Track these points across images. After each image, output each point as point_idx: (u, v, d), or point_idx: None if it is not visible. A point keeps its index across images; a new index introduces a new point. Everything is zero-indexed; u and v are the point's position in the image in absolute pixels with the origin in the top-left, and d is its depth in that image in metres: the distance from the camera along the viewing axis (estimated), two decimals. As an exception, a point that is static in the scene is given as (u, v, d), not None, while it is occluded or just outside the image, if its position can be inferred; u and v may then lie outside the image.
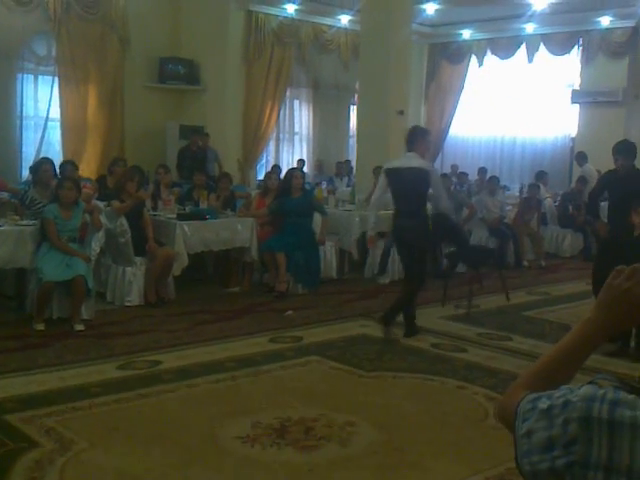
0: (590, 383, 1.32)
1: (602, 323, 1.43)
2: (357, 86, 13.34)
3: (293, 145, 15.81)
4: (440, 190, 6.90)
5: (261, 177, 14.64)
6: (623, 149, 7.06)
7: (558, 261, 11.46)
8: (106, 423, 4.69)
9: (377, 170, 10.44)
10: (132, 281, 7.70)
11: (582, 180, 12.12)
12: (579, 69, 15.00)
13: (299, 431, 4.62)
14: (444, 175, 11.37)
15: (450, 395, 5.44)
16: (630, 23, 13.94)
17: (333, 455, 4.35)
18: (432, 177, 6.73)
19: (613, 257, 6.56)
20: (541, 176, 12.39)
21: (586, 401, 1.26)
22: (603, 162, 11.40)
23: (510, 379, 5.72)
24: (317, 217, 8.89)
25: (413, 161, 6.70)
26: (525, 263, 10.89)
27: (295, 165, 14.06)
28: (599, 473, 1.22)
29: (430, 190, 6.77)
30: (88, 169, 12.08)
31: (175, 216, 8.30)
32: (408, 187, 6.71)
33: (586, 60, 14.73)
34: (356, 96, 14.69)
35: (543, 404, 1.31)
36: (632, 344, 6.48)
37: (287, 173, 9.31)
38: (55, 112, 12.31)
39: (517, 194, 13.20)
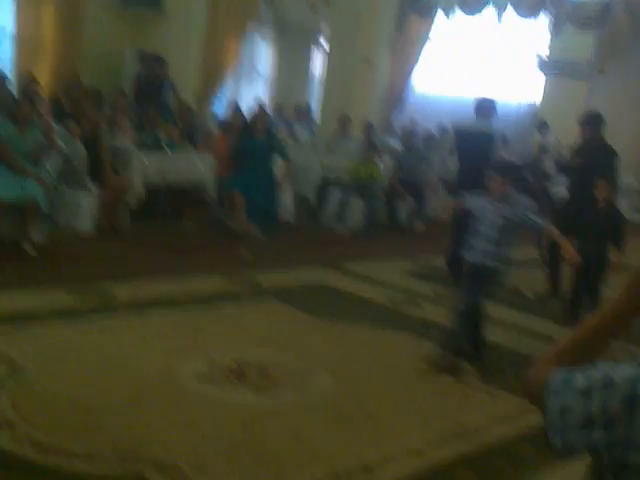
0: (634, 365, 1.30)
1: (630, 307, 1.43)
2: (321, 27, 13.07)
3: (253, 83, 15.50)
4: None
5: (218, 112, 14.36)
6: (590, 120, 7.04)
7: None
8: (58, 350, 4.56)
9: (342, 117, 10.35)
10: (85, 207, 7.48)
11: (543, 149, 12.16)
12: (548, 38, 14.95)
13: (256, 373, 4.56)
14: (429, 136, 11.37)
15: (406, 350, 5.43)
16: (602, -5, 13.90)
17: (290, 400, 4.31)
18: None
19: (573, 227, 6.64)
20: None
21: (630, 381, 1.25)
22: (564, 133, 11.50)
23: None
24: (277, 160, 8.74)
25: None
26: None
27: (253, 104, 13.80)
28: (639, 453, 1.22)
29: None
30: (40, 87, 11.63)
31: (133, 144, 8.05)
32: None
33: (554, 29, 14.67)
34: (320, 38, 14.47)
35: (580, 382, 1.30)
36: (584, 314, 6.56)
37: (251, 113, 9.12)
38: (10, 25, 11.78)
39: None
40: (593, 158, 6.91)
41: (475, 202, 5.18)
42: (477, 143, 7.54)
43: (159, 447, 3.50)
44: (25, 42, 11.80)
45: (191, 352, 4.79)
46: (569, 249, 4.98)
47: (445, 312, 6.43)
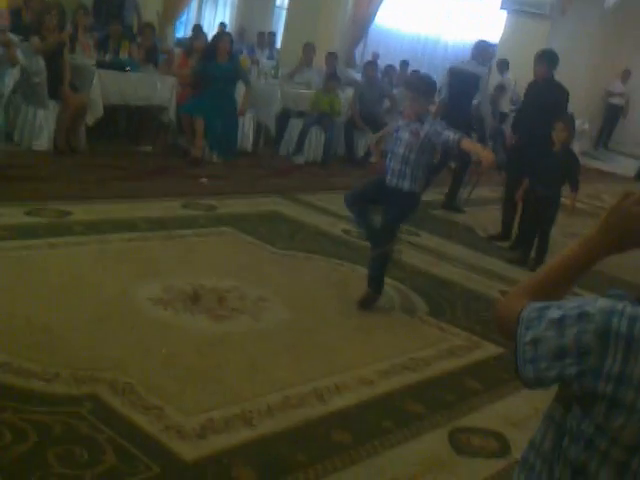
0: (607, 296, 1.34)
1: (605, 243, 1.45)
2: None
3: (216, 7, 15.24)
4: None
5: (179, 35, 14.11)
6: (547, 57, 7.07)
7: (466, 165, 11.60)
8: (14, 269, 4.56)
9: (307, 47, 10.24)
10: (43, 124, 7.35)
11: (500, 88, 12.19)
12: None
13: (212, 300, 4.62)
14: (389, 67, 11.34)
15: (359, 282, 5.50)
16: None
17: (245, 328, 4.38)
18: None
19: (528, 168, 6.75)
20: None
21: (605, 314, 1.27)
22: (523, 72, 11.52)
23: (416, 274, 5.89)
24: (239, 86, 8.65)
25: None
26: (434, 162, 10.99)
27: (216, 28, 13.58)
28: (609, 384, 1.26)
29: None
30: (-2, -2, 11.27)
31: (94, 63, 7.90)
32: None
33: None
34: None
35: (554, 314, 1.32)
36: (532, 254, 6.72)
37: (215, 36, 8.98)
38: None
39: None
40: (548, 97, 6.96)
41: (395, 125, 5.04)
42: (466, 84, 7.76)
43: (114, 368, 3.56)
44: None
45: (148, 276, 4.82)
46: (482, 151, 4.82)
47: (398, 247, 6.56)
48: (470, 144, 4.97)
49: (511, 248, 7.13)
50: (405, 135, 4.80)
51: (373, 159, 8.68)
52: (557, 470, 1.39)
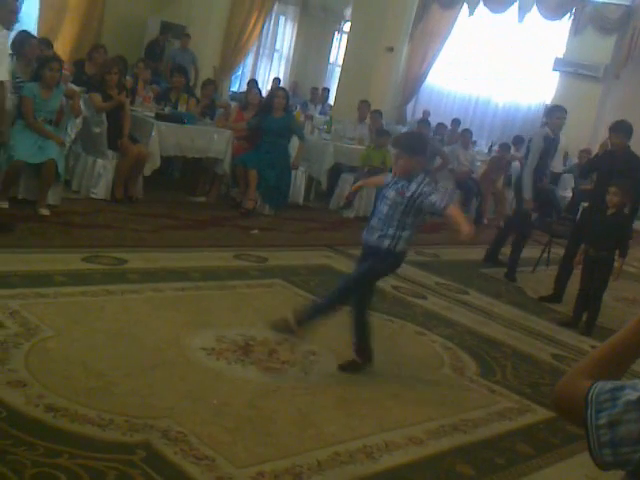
0: None
1: None
2: (345, 13, 13.09)
3: (271, 62, 15.56)
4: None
5: (234, 89, 14.41)
6: (625, 129, 7.10)
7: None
8: (71, 314, 4.65)
9: (362, 104, 10.39)
10: (101, 173, 7.55)
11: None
12: (566, 38, 14.95)
13: (263, 352, 4.66)
14: (440, 124, 11.41)
15: (409, 339, 5.54)
16: (625, 2, 13.90)
17: (295, 380, 4.40)
18: None
19: (586, 231, 6.75)
20: (518, 140, 12.42)
21: None
22: (573, 133, 11.54)
23: (465, 332, 5.87)
24: (294, 140, 8.80)
25: None
26: (485, 221, 11.02)
27: (270, 83, 13.86)
28: None
29: None
30: (62, 50, 11.66)
31: (153, 115, 8.12)
32: None
33: (575, 30, 14.66)
34: (342, 23, 14.45)
35: (631, 395, 1.30)
36: (584, 318, 6.65)
37: (271, 91, 9.17)
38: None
39: (485, 151, 13.24)
40: (624, 166, 6.95)
41: (386, 178, 4.75)
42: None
43: (167, 416, 3.60)
44: (50, 5, 11.85)
45: (200, 326, 4.88)
46: (463, 224, 4.44)
47: (447, 304, 6.56)
48: (454, 212, 4.59)
49: (566, 310, 7.11)
50: (391, 193, 4.56)
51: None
52: None
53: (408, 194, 4.49)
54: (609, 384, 1.34)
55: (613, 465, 1.31)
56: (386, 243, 4.54)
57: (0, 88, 5.99)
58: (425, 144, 4.96)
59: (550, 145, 7.77)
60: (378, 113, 10.56)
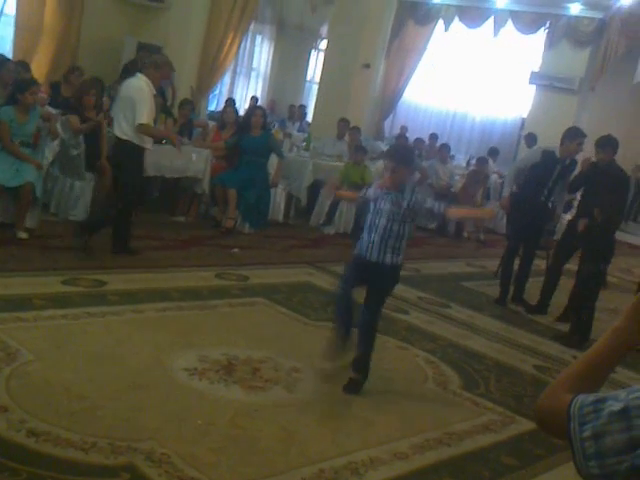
0: None
1: (633, 333, 1.45)
2: (321, 31, 13.15)
3: (249, 81, 15.59)
4: None
5: (212, 108, 14.41)
6: (606, 143, 7.12)
7: (496, 237, 11.63)
8: (52, 337, 4.62)
9: (342, 122, 10.45)
10: (79, 196, 7.52)
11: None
12: (541, 51, 15.11)
13: (246, 371, 4.64)
14: (418, 140, 11.44)
15: (392, 354, 5.53)
16: (599, 15, 14.08)
17: (279, 398, 4.39)
18: None
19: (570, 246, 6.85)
20: (493, 152, 12.53)
21: None
22: (550, 146, 11.62)
23: (448, 346, 5.89)
24: (273, 158, 8.81)
25: None
26: (465, 234, 11.07)
27: (248, 101, 13.89)
28: None
29: None
30: (38, 72, 11.60)
31: (130, 136, 8.08)
32: None
33: (550, 44, 14.83)
34: (319, 41, 14.50)
35: (613, 407, 1.30)
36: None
37: (248, 110, 9.19)
38: (10, 8, 11.78)
39: (464, 165, 13.33)
40: (605, 182, 6.96)
41: (373, 193, 4.75)
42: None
43: (151, 438, 3.58)
44: (25, 27, 11.80)
45: (182, 346, 4.86)
46: (477, 212, 4.66)
47: (429, 318, 6.57)
48: (456, 211, 4.81)
49: (559, 320, 7.18)
50: (386, 206, 4.58)
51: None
52: None
53: (405, 204, 4.56)
54: (591, 397, 1.35)
55: (599, 477, 1.31)
56: (389, 258, 4.61)
57: None
58: (414, 155, 5.05)
59: (552, 165, 7.28)
60: (357, 130, 10.61)
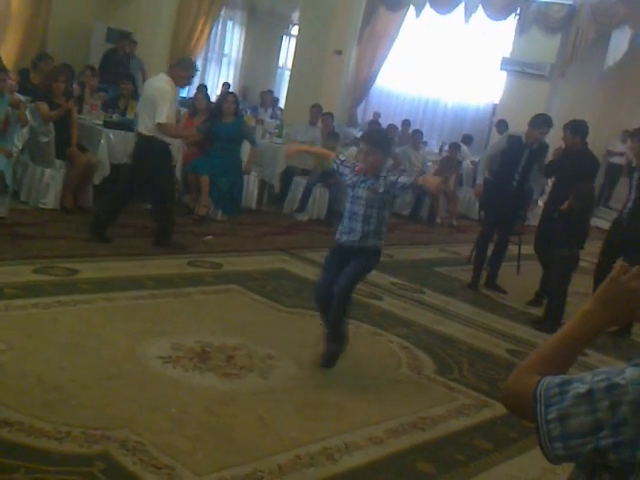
0: (634, 366, 1.33)
1: (604, 316, 1.46)
2: (293, 17, 13.08)
3: (220, 67, 15.48)
4: None
5: (183, 94, 14.30)
6: (576, 128, 7.17)
7: (468, 222, 11.68)
8: (24, 327, 4.58)
9: (314, 107, 10.42)
10: (50, 183, 7.44)
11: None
12: (512, 38, 15.14)
13: (220, 358, 4.63)
14: (390, 126, 11.45)
15: (365, 340, 5.55)
16: (569, 1, 14.13)
17: (254, 386, 4.38)
18: None
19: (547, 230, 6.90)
20: (467, 139, 12.55)
21: (637, 384, 1.27)
22: (518, 131, 11.67)
23: (422, 331, 5.91)
24: (245, 145, 8.77)
25: None
26: (438, 220, 11.10)
27: (220, 87, 13.80)
28: None
29: None
30: (6, 59, 11.43)
31: (101, 122, 8.02)
32: None
33: (520, 30, 14.84)
34: (290, 27, 14.43)
35: (579, 389, 1.31)
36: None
37: (220, 96, 9.14)
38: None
39: (436, 151, 13.35)
40: (576, 168, 7.02)
41: (349, 179, 4.73)
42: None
43: (125, 427, 3.56)
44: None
45: (156, 334, 4.84)
46: (431, 179, 4.86)
47: (403, 304, 6.60)
48: (422, 178, 4.84)
49: (530, 304, 7.25)
50: (363, 193, 4.61)
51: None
52: None
53: (381, 189, 4.58)
54: (557, 379, 1.36)
55: (564, 458, 1.32)
56: (370, 242, 4.66)
57: None
58: (391, 140, 5.09)
59: (519, 151, 7.26)
60: (330, 116, 10.59)
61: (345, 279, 4.71)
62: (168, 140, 6.82)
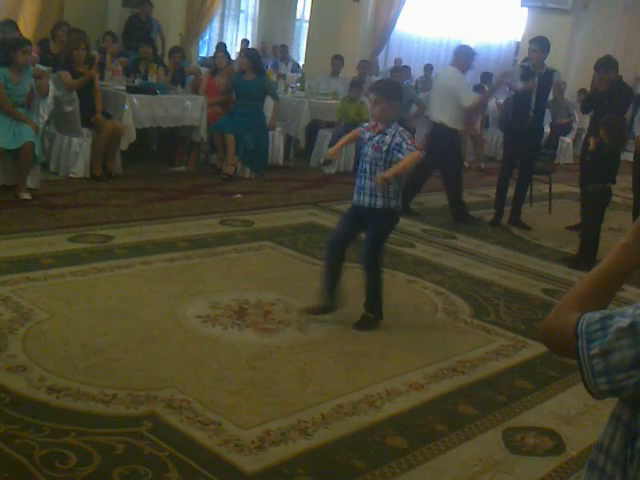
0: None
1: (639, 251, 1.44)
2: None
3: (238, 24, 15.36)
4: None
5: (203, 54, 14.25)
6: (608, 65, 7.21)
7: (496, 165, 11.54)
8: (63, 295, 4.65)
9: (335, 59, 10.34)
10: (78, 152, 7.49)
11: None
12: (533, -28, 14.85)
13: (258, 314, 4.69)
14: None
15: (401, 288, 5.57)
16: None
17: (293, 339, 4.44)
18: None
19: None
20: (486, 78, 12.37)
21: None
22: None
23: (456, 276, 5.92)
24: (268, 101, 8.74)
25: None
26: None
27: (239, 45, 13.72)
28: None
29: None
30: (24, 30, 11.44)
31: (124, 88, 8.03)
32: None
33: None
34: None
35: (621, 322, 1.30)
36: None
37: (240, 54, 9.08)
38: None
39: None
40: (612, 99, 7.10)
41: (362, 134, 4.65)
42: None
43: (170, 386, 3.63)
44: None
45: (193, 295, 4.90)
46: (389, 170, 4.40)
47: (436, 250, 6.61)
48: (405, 158, 4.45)
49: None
50: (369, 151, 4.53)
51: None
52: (631, 471, 1.36)
53: (384, 148, 4.48)
54: (598, 314, 1.35)
55: (608, 393, 1.32)
56: (380, 202, 4.55)
57: None
58: (401, 90, 4.96)
59: (529, 79, 7.30)
60: (365, 63, 10.54)
61: (365, 252, 4.73)
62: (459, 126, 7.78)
